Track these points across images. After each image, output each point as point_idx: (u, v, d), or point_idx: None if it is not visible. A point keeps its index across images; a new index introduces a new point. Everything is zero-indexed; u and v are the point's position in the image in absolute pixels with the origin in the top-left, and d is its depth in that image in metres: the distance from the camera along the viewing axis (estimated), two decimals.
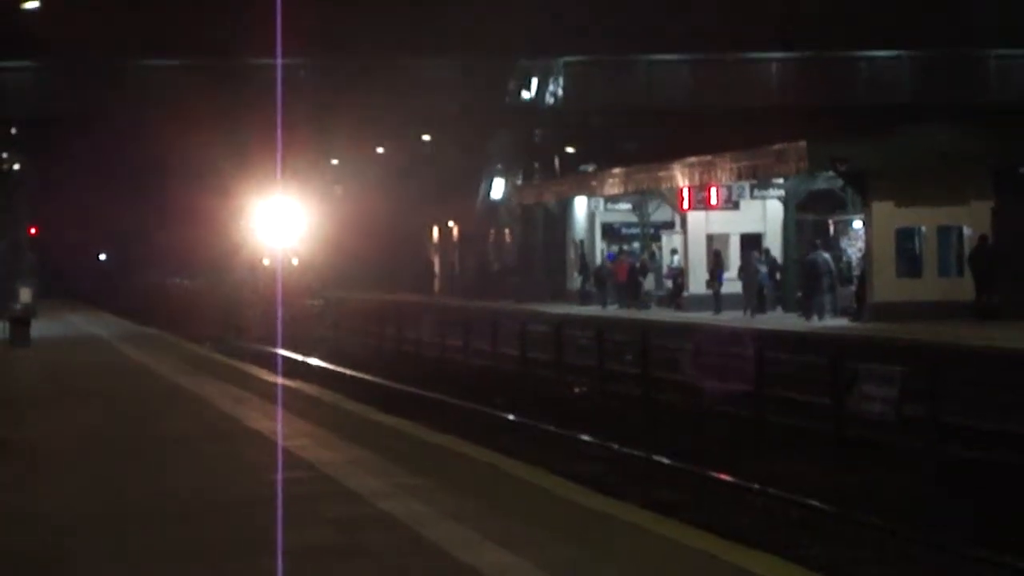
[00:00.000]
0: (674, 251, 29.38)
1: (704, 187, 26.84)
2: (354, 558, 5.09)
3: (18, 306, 21.60)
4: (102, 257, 70.00)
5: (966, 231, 24.46)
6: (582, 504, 6.53)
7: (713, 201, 26.76)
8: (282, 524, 5.53)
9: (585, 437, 13.69)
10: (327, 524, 5.97)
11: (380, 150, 41.99)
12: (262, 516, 5.89)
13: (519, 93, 33.95)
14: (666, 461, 11.83)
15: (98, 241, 64.54)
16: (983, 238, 23.58)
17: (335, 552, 5.26)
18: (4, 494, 7.05)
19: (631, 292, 28.66)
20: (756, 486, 10.39)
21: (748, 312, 25.03)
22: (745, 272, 26.00)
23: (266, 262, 31.29)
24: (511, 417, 15.35)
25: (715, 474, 11.01)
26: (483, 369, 20.98)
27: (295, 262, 31.48)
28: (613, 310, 28.81)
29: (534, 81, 34.03)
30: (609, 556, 5.06)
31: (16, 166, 35.44)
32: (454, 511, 6.04)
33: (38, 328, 22.11)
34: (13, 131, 33.28)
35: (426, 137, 40.06)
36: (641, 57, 33.01)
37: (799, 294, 25.67)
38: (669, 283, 29.23)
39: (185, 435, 10.02)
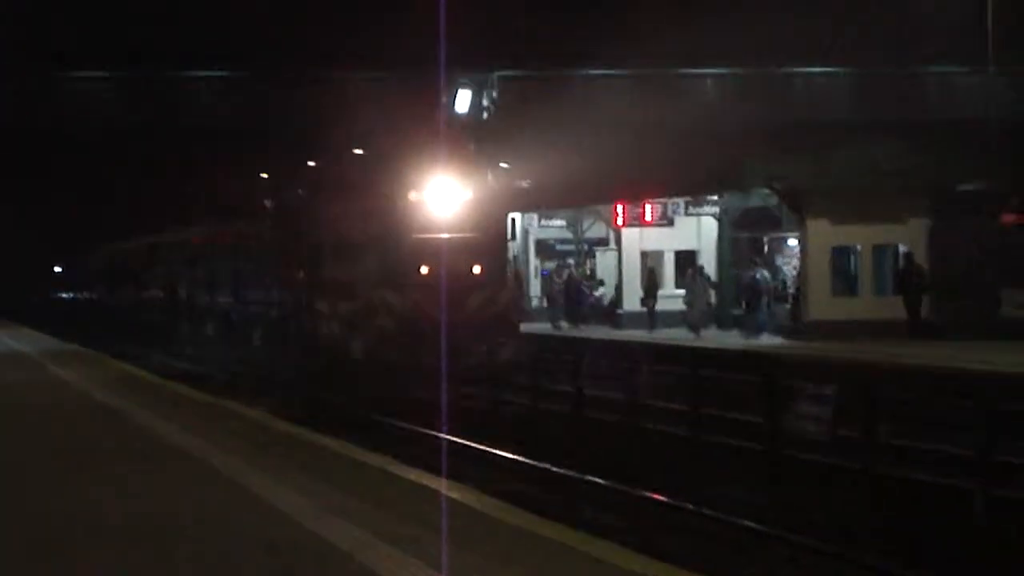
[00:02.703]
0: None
1: (639, 203, 27.23)
2: None
3: None
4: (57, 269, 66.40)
5: (902, 249, 24.97)
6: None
7: (648, 218, 27.14)
8: None
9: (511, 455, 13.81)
10: None
11: (311, 164, 41.92)
12: None
13: (454, 106, 33.73)
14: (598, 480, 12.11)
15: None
16: (908, 256, 24.32)
17: None
18: None
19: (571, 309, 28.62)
20: (689, 506, 10.61)
21: (697, 331, 25.19)
22: (691, 291, 26.34)
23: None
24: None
25: (647, 494, 11.13)
26: None
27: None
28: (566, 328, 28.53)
29: (468, 94, 33.87)
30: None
31: None
32: None
33: None
34: None
35: (358, 151, 40.02)
36: (578, 72, 33.16)
37: (736, 311, 26.19)
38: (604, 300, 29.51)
39: None
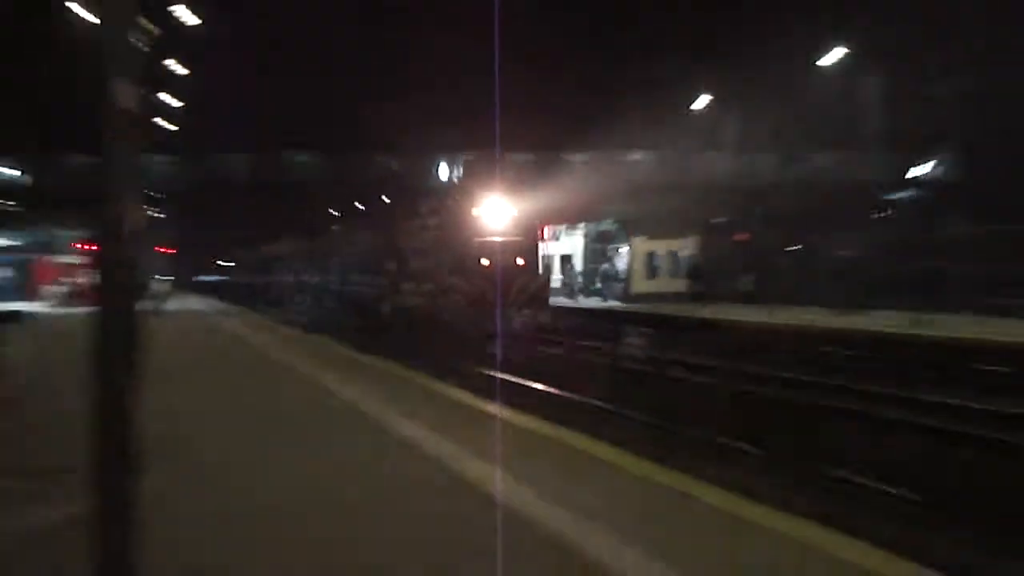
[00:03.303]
0: None
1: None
2: None
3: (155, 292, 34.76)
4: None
5: (684, 253, 37.85)
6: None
7: (545, 236, 38.56)
8: None
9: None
10: None
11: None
12: None
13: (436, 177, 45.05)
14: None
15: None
16: (694, 258, 37.15)
17: None
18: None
19: None
20: (594, 401, 13.91)
21: (573, 297, 37.97)
22: (568, 276, 40.04)
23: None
24: None
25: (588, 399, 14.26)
26: None
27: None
28: None
29: (444, 169, 45.40)
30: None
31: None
32: None
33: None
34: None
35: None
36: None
37: (594, 286, 39.13)
38: None
39: None
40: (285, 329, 26.02)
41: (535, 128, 36.60)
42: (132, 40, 2.96)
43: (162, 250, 48.23)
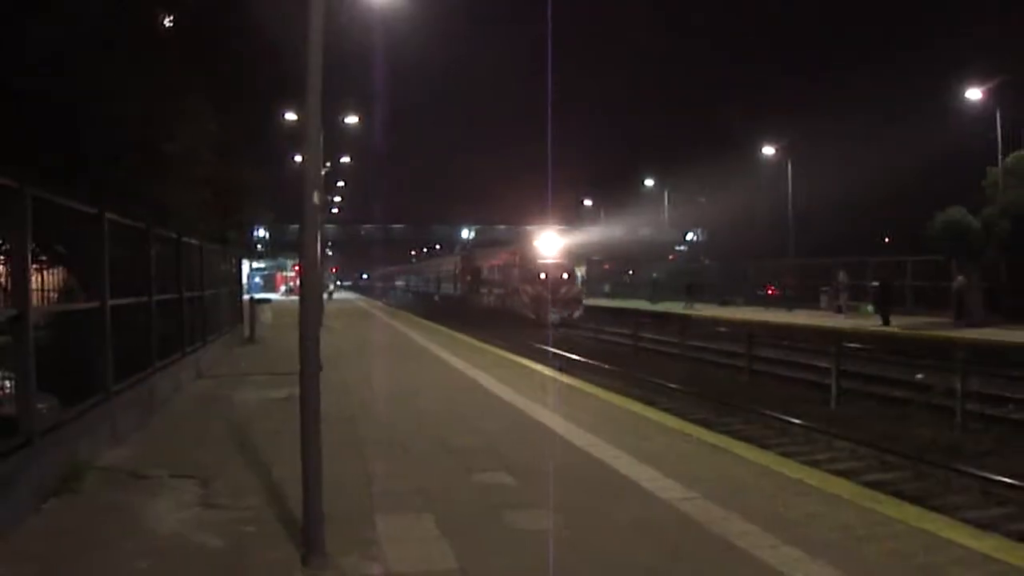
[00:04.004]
0: None
1: None
2: None
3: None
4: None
5: (580, 272, 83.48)
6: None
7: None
8: None
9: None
10: None
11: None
12: None
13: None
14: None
15: None
16: (583, 276, 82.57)
17: None
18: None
19: None
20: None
21: None
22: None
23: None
24: None
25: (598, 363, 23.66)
26: None
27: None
28: None
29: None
30: None
31: None
32: None
33: None
34: None
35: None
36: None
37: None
38: None
39: None
40: (387, 306, 61.53)
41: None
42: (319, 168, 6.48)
43: (332, 269, 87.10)
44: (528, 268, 39.28)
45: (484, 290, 45.11)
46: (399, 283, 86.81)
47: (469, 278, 48.09)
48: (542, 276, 38.47)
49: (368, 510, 6.70)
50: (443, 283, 59.42)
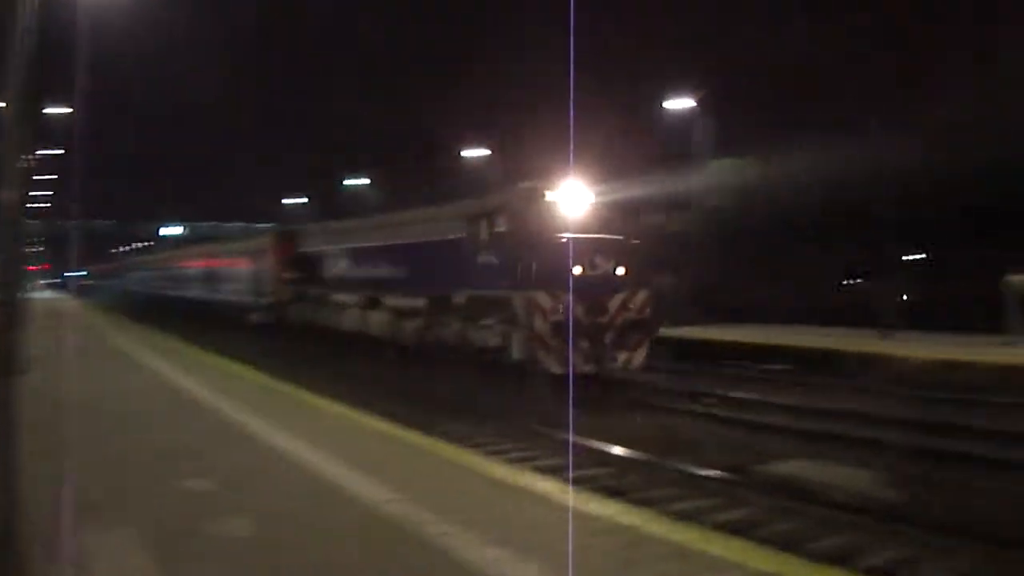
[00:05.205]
0: None
1: None
2: None
3: None
4: None
5: None
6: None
7: None
8: None
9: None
10: None
11: None
12: None
13: None
14: None
15: None
16: None
17: None
18: None
19: None
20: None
21: None
22: None
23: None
24: None
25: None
26: None
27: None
28: None
29: None
30: None
31: None
32: None
33: None
34: None
35: None
36: None
37: None
38: None
39: None
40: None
41: None
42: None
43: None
44: (532, 247, 16.93)
45: (349, 301, 24.49)
46: (135, 280, 64.46)
47: (299, 275, 28.30)
48: (563, 268, 16.68)
49: None
50: (223, 285, 36.52)
